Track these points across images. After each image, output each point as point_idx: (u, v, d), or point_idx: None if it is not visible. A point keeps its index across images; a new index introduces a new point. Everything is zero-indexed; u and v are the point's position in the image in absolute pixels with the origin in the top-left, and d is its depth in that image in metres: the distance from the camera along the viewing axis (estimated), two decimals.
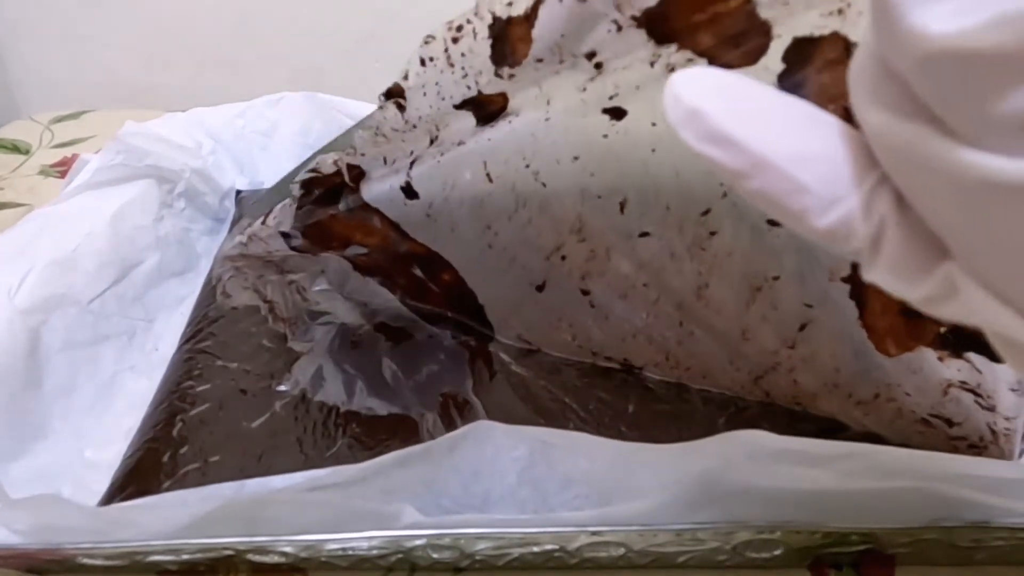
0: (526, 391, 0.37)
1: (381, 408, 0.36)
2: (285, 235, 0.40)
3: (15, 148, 0.60)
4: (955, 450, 0.33)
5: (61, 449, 0.35)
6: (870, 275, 0.15)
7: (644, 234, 0.33)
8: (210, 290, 0.43)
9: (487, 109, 0.32)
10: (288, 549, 0.29)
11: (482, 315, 0.40)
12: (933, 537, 0.28)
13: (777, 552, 0.29)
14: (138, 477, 0.33)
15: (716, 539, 0.28)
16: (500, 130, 0.32)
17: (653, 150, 0.30)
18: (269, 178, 0.54)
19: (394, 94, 0.32)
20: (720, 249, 0.32)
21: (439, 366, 0.38)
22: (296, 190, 0.39)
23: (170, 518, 0.27)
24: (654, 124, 0.30)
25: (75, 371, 0.38)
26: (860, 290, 0.31)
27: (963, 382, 0.31)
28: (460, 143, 0.33)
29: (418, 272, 0.39)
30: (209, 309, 0.42)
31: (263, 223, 0.39)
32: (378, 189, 0.36)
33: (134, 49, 0.74)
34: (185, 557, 0.29)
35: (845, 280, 0.31)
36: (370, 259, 0.40)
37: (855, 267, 0.31)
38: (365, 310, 0.41)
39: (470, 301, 0.40)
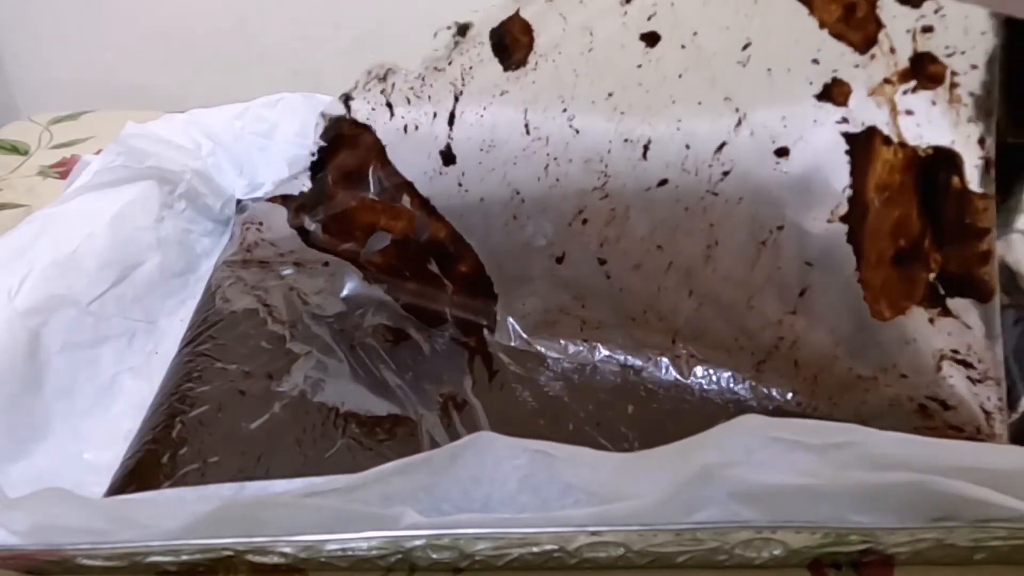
0: (525, 392, 0.37)
1: (380, 409, 0.36)
2: (302, 231, 0.40)
3: (14, 149, 0.61)
4: None
5: (60, 451, 0.35)
6: None
7: (662, 183, 0.33)
8: (210, 296, 0.43)
9: (513, 54, 0.32)
10: (287, 550, 0.29)
11: (491, 307, 0.41)
12: (933, 537, 0.28)
13: (776, 552, 0.29)
14: (137, 478, 0.33)
15: (715, 539, 0.28)
16: (543, 72, 0.33)
17: (680, 75, 0.31)
18: (268, 179, 0.54)
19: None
20: (731, 193, 0.33)
21: (438, 367, 0.38)
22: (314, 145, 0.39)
23: (169, 515, 0.27)
24: (683, 47, 0.31)
25: (75, 373, 0.38)
26: (857, 234, 0.31)
27: (954, 351, 0.32)
28: (503, 92, 0.34)
29: (434, 268, 0.40)
30: (209, 314, 0.42)
31: (257, 227, 0.39)
32: (413, 160, 0.36)
33: (133, 50, 0.74)
34: (184, 558, 0.29)
35: (843, 219, 0.31)
36: (384, 259, 0.40)
37: (852, 202, 0.31)
38: (365, 312, 0.41)
39: (485, 291, 0.40)
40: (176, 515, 0.27)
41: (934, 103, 0.29)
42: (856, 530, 0.28)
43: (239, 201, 0.52)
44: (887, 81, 0.29)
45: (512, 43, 0.32)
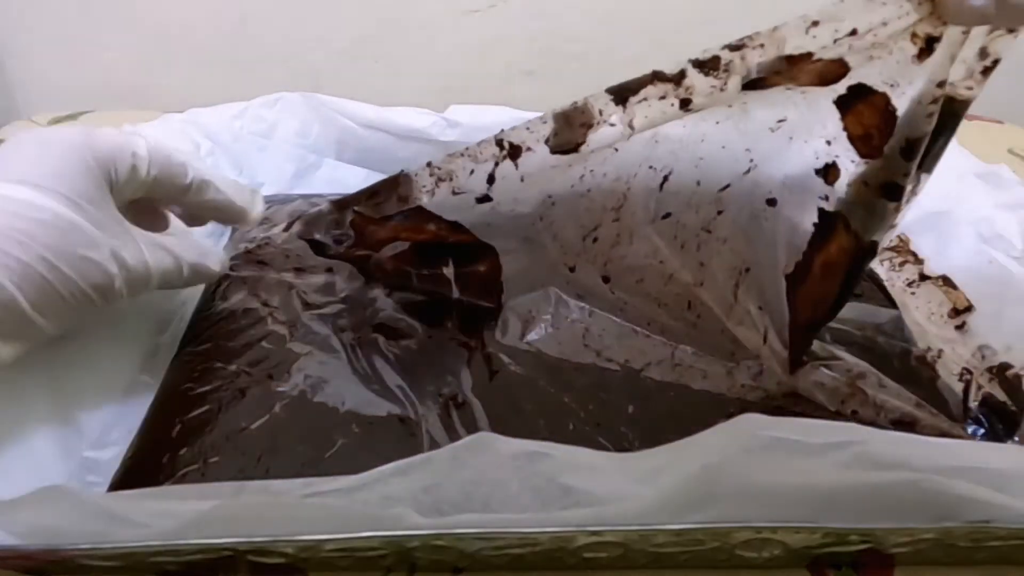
0: (526, 391, 0.37)
1: (380, 409, 0.36)
2: (315, 244, 0.40)
3: None
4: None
5: (61, 450, 0.35)
6: None
7: (666, 215, 0.36)
8: (210, 296, 0.43)
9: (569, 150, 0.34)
10: (288, 549, 0.29)
11: (492, 308, 0.41)
12: (933, 537, 0.28)
13: (776, 552, 0.29)
14: (137, 478, 0.33)
15: (716, 539, 0.28)
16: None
17: (717, 122, 0.34)
18: (268, 179, 0.54)
19: None
20: (720, 233, 0.36)
21: (439, 366, 0.38)
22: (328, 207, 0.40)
23: (169, 514, 0.27)
24: (730, 105, 0.33)
25: (75, 372, 0.37)
26: (792, 294, 0.36)
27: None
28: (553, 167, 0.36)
29: (448, 272, 0.40)
30: (209, 313, 0.42)
31: (285, 229, 0.40)
32: (447, 204, 0.38)
33: (132, 50, 0.74)
34: (184, 558, 0.29)
35: (787, 277, 0.36)
36: (396, 264, 0.41)
37: (799, 266, 0.36)
38: (365, 312, 0.41)
39: (491, 295, 0.41)
40: (176, 514, 0.27)
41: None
42: (856, 530, 0.28)
43: None
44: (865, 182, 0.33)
45: (573, 147, 0.34)
